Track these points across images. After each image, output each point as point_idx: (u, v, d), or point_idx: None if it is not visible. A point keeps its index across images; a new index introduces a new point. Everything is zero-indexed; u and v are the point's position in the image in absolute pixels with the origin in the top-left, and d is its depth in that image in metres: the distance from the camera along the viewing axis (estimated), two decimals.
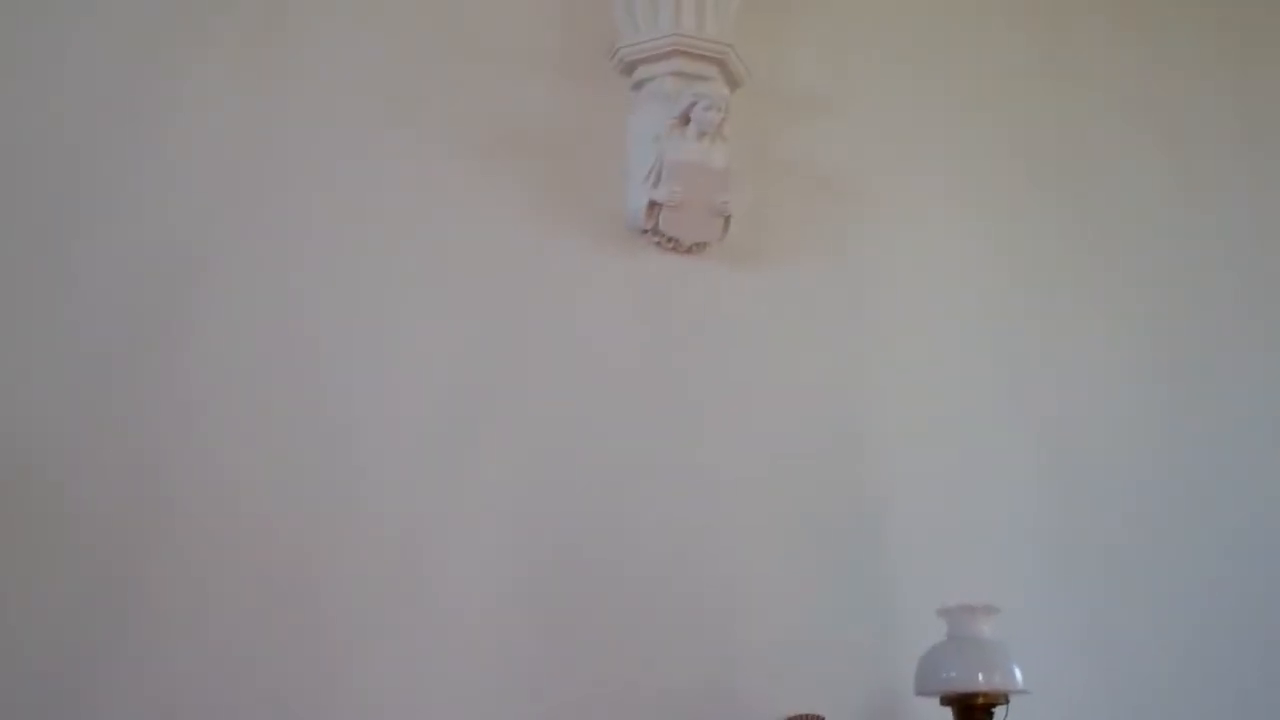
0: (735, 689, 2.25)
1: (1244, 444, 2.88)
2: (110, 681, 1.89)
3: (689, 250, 2.52)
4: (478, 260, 2.38)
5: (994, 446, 2.64)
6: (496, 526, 2.20)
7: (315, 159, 2.33)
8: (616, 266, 2.48)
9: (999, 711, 2.04)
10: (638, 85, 2.57)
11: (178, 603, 1.96)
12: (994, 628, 2.10)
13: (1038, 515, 2.62)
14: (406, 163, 2.39)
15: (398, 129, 2.41)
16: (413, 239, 2.35)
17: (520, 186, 2.46)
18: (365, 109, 2.39)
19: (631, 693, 2.17)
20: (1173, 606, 2.64)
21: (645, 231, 2.49)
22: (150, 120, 2.23)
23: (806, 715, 2.22)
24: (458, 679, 2.08)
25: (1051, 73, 3.07)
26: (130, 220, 2.16)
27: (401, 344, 2.27)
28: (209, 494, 2.04)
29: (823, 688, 2.29)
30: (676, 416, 2.41)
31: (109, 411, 2.04)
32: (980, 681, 2.02)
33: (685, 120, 2.45)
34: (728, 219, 2.50)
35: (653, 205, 2.46)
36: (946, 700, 2.06)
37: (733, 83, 2.57)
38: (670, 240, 2.50)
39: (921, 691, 2.12)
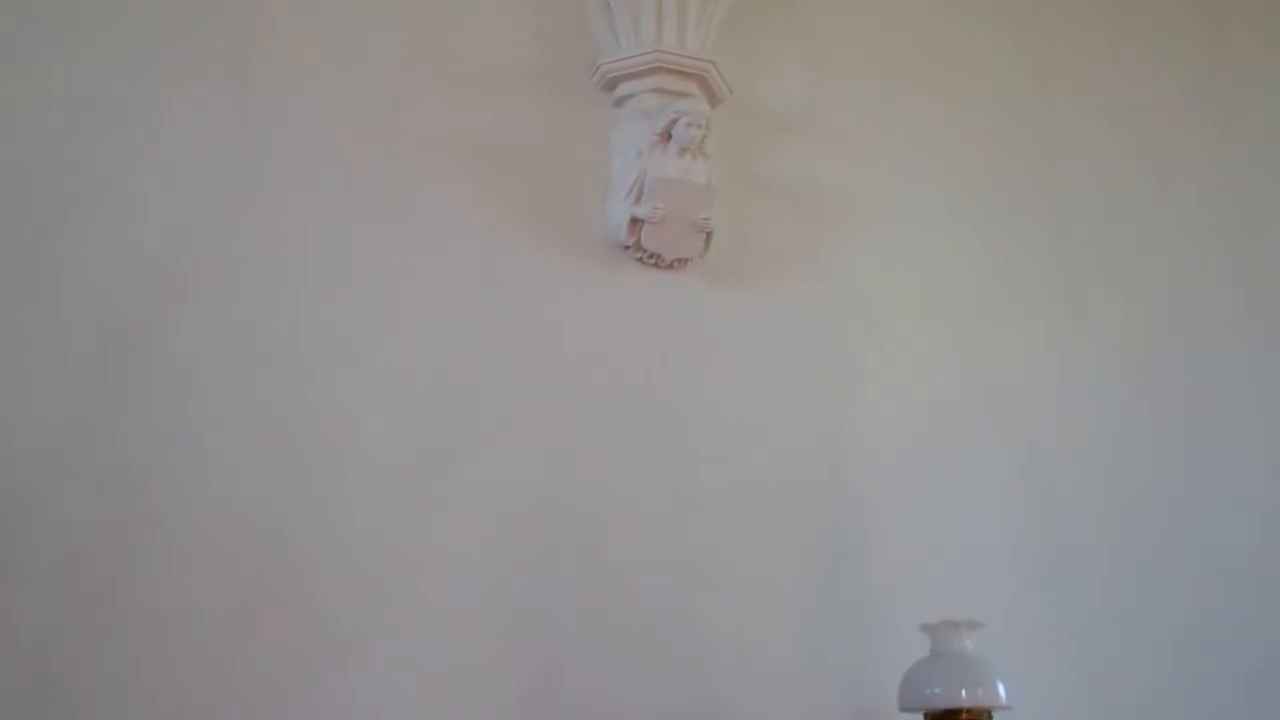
0: (718, 704, 2.25)
1: (1228, 459, 2.89)
2: (95, 690, 1.88)
3: (670, 266, 2.52)
4: (459, 277, 2.37)
5: (977, 462, 2.65)
6: (478, 542, 2.19)
7: (295, 175, 2.31)
8: (598, 282, 2.48)
9: None
10: (619, 102, 2.58)
11: (161, 614, 1.95)
12: (977, 643, 2.10)
13: (1021, 530, 2.63)
14: (388, 179, 2.38)
15: (378, 145, 2.39)
16: (393, 255, 2.33)
17: (502, 203, 2.46)
18: (345, 125, 2.38)
19: (614, 709, 2.16)
20: (1156, 622, 2.65)
21: (627, 247, 2.49)
22: (127, 137, 2.21)
23: None
24: (440, 694, 2.08)
25: (1032, 92, 3.08)
26: (110, 235, 2.14)
27: (382, 360, 2.25)
28: (192, 506, 2.02)
29: (805, 703, 2.30)
30: (658, 433, 2.41)
31: (92, 422, 2.02)
32: (964, 697, 2.01)
33: (667, 137, 2.45)
34: (709, 235, 2.50)
35: (634, 221, 2.46)
36: (930, 716, 2.06)
37: (714, 99, 2.58)
38: (652, 256, 2.50)
39: (905, 707, 2.11)
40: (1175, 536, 2.75)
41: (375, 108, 2.42)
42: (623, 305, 2.48)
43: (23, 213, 2.10)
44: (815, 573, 2.42)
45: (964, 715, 2.02)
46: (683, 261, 2.52)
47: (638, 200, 2.46)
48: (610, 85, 2.58)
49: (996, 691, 2.02)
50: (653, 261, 2.51)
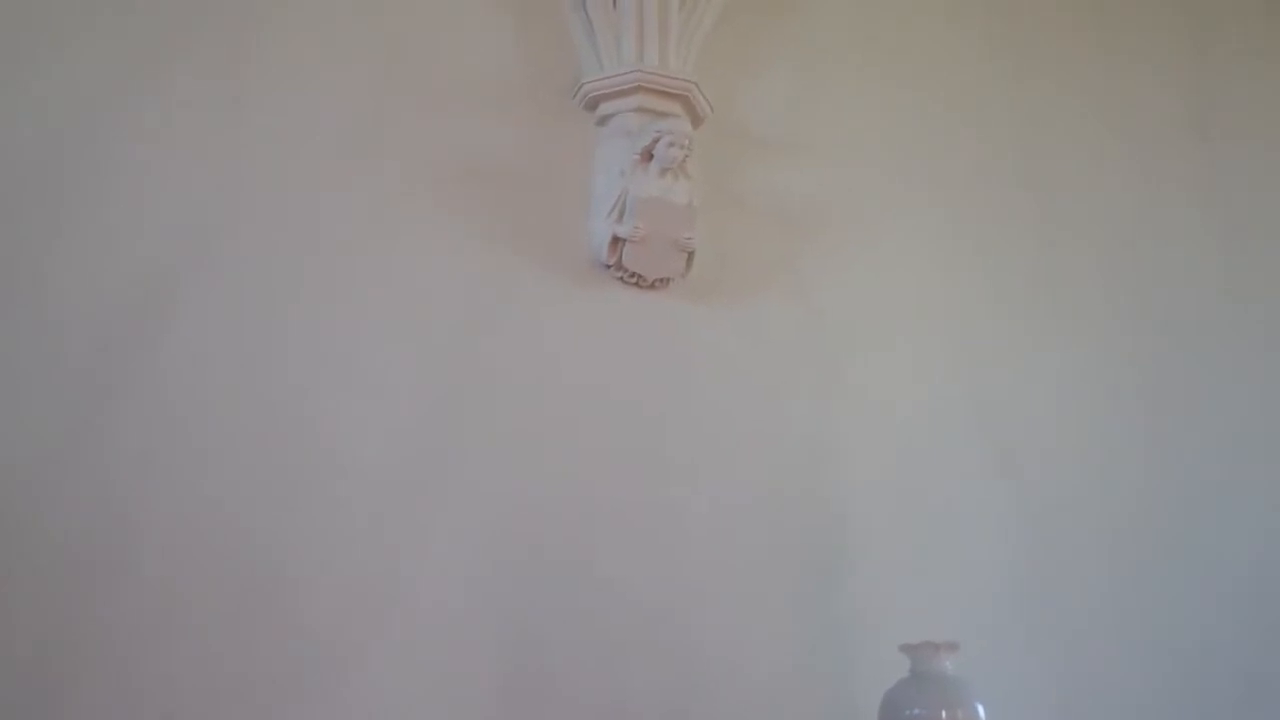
0: (703, 717, 2.25)
1: (1218, 472, 2.91)
2: (84, 697, 1.88)
3: (652, 286, 2.52)
4: (441, 296, 2.37)
5: (961, 481, 2.66)
6: (464, 556, 2.19)
7: (281, 193, 2.31)
8: (580, 302, 2.48)
9: None
10: (601, 121, 2.58)
11: (151, 622, 1.95)
12: (957, 664, 2.10)
13: (1004, 550, 2.63)
14: (370, 198, 2.38)
15: (361, 164, 2.39)
16: (375, 276, 2.33)
17: (484, 222, 2.46)
18: (328, 144, 2.38)
19: None
20: (1140, 643, 2.66)
21: (609, 267, 2.49)
22: (115, 152, 2.21)
23: None
24: (429, 706, 2.08)
25: (1015, 111, 3.10)
26: (102, 248, 2.14)
27: (367, 376, 2.25)
28: (181, 518, 2.02)
29: (787, 718, 2.30)
30: (642, 450, 2.41)
31: (82, 432, 2.02)
32: (943, 718, 2.01)
33: (648, 156, 2.46)
34: (691, 255, 2.51)
35: (616, 241, 2.46)
36: None
37: (696, 119, 2.59)
38: (634, 276, 2.50)
39: None
40: (1162, 556, 2.76)
41: (360, 126, 2.42)
42: (605, 324, 2.48)
43: (10, 225, 2.10)
44: (798, 589, 2.42)
45: None
46: (664, 281, 2.53)
47: (619, 219, 2.46)
48: (592, 104, 2.58)
49: (976, 713, 2.02)
50: (634, 281, 2.51)
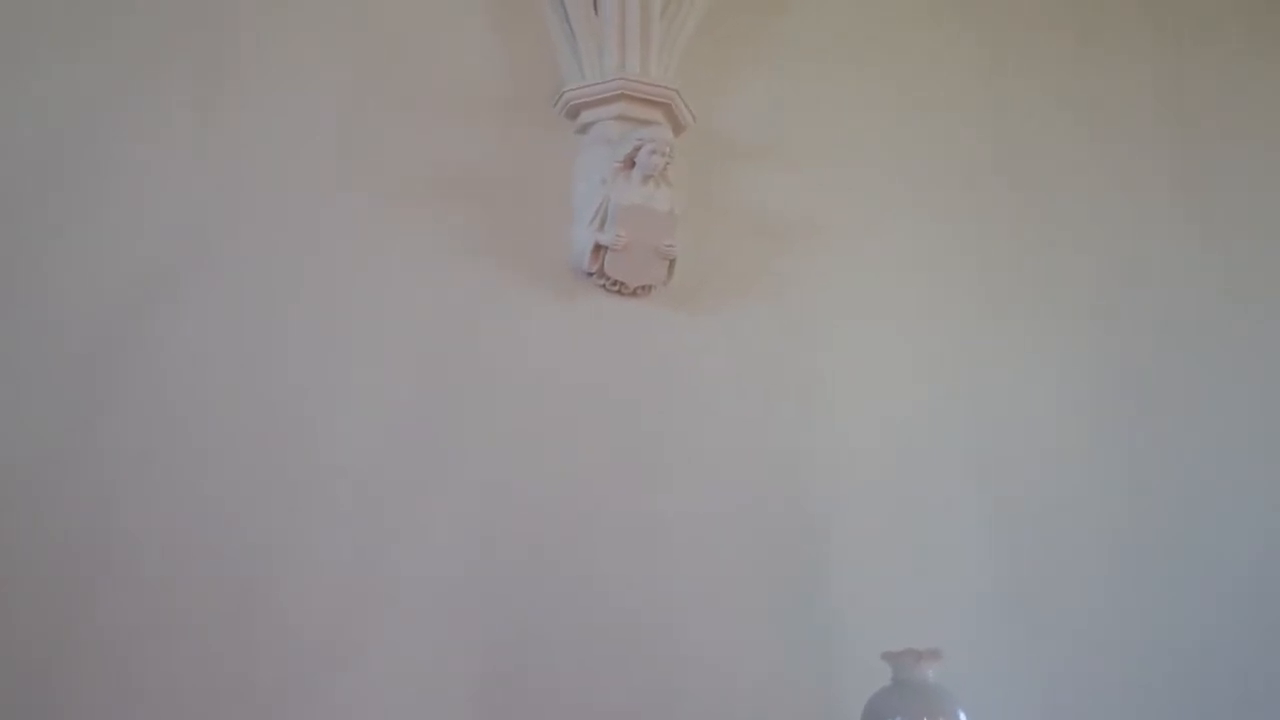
0: None
1: (1209, 479, 2.91)
2: (72, 703, 1.89)
3: (634, 293, 2.52)
4: (422, 304, 2.37)
5: (942, 489, 2.65)
6: (448, 564, 2.20)
7: (262, 202, 2.30)
8: (561, 309, 2.48)
9: None
10: (583, 129, 2.58)
11: (138, 628, 1.96)
12: (939, 672, 2.09)
13: (987, 558, 2.63)
14: (352, 207, 2.38)
15: (342, 172, 2.39)
16: (357, 283, 2.33)
17: (465, 230, 2.45)
18: (312, 151, 2.38)
19: None
20: (1127, 650, 2.65)
21: (590, 274, 2.49)
22: (94, 168, 2.20)
23: None
24: (412, 712, 2.09)
25: (999, 115, 3.11)
26: (90, 253, 2.14)
27: (347, 386, 2.25)
28: (169, 526, 2.03)
29: None
30: (623, 458, 2.41)
31: (69, 444, 2.02)
32: None
33: (630, 164, 2.45)
34: (673, 262, 2.51)
35: (598, 248, 2.46)
36: None
37: (678, 127, 2.59)
38: (615, 283, 2.50)
39: None
40: (1150, 563, 2.76)
41: (339, 136, 2.42)
42: (586, 332, 2.48)
43: (2, 228, 2.10)
44: (780, 595, 2.42)
45: None
46: (646, 288, 2.52)
47: (601, 227, 2.46)
48: (574, 112, 2.58)
49: None
50: (616, 288, 2.51)
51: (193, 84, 2.32)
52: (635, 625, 2.29)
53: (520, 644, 2.20)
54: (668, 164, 2.46)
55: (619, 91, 2.52)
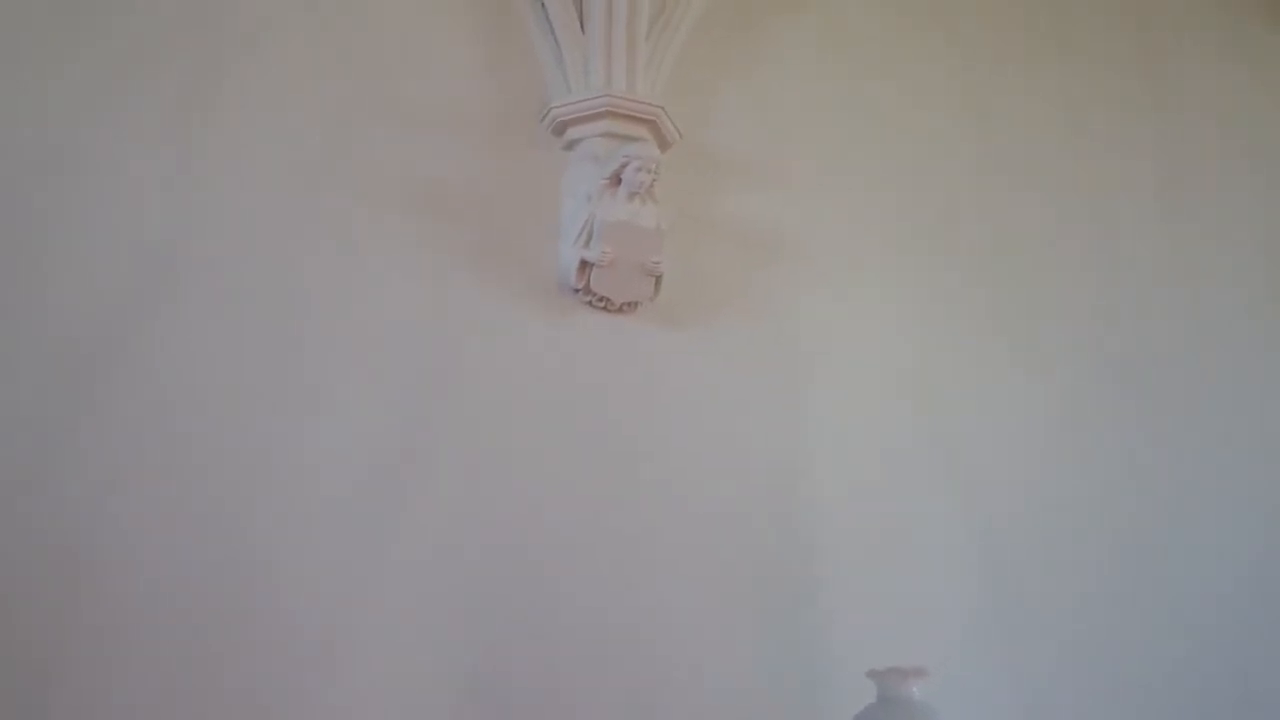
0: None
1: (1181, 498, 2.92)
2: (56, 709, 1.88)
3: (620, 310, 2.52)
4: (408, 320, 2.36)
5: (927, 507, 2.66)
6: (427, 581, 2.19)
7: (245, 216, 2.30)
8: (548, 325, 2.48)
9: None
10: (569, 145, 2.59)
11: (96, 670, 1.93)
12: (924, 690, 2.08)
13: (971, 576, 2.63)
14: (338, 223, 2.37)
15: (328, 189, 2.39)
16: (342, 299, 2.32)
17: (452, 245, 2.45)
18: (295, 168, 2.37)
19: None
20: (1107, 671, 2.66)
21: (577, 291, 2.49)
22: (75, 181, 2.19)
23: None
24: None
25: (982, 139, 3.13)
26: (54, 277, 2.12)
27: (328, 405, 2.24)
28: (135, 548, 2.01)
29: None
30: (608, 473, 2.41)
31: (27, 479, 1.99)
32: None
33: (616, 181, 2.46)
34: (659, 279, 2.51)
35: (584, 265, 2.47)
36: None
37: (664, 143, 2.60)
38: (602, 299, 2.50)
39: None
40: (1128, 582, 2.77)
41: (325, 152, 2.42)
42: (573, 348, 2.48)
43: None
44: (765, 611, 2.42)
45: None
46: (632, 305, 2.53)
47: (587, 244, 2.46)
48: (560, 129, 2.59)
49: None
50: (602, 305, 2.51)
51: (179, 98, 2.32)
52: (619, 640, 2.28)
53: (504, 655, 2.19)
54: (654, 180, 2.46)
55: (605, 108, 2.53)
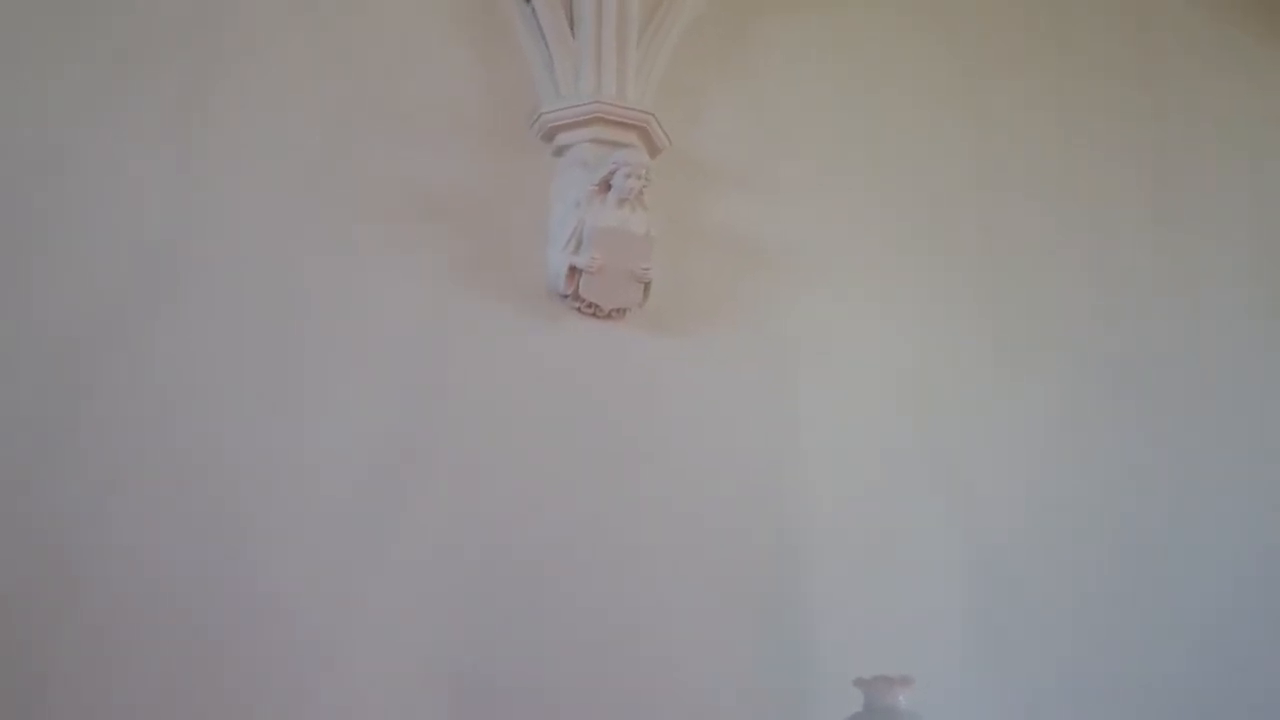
0: None
1: (1174, 510, 2.93)
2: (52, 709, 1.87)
3: (609, 316, 2.52)
4: (396, 325, 2.36)
5: (916, 516, 2.66)
6: (418, 589, 2.19)
7: (238, 220, 2.29)
8: (537, 331, 2.48)
9: None
10: (559, 151, 2.59)
11: (95, 671, 1.93)
12: (911, 699, 2.09)
13: (961, 585, 2.64)
14: (325, 228, 2.37)
15: (316, 194, 2.38)
16: (330, 305, 2.32)
17: (440, 251, 2.45)
18: (284, 174, 2.37)
19: None
20: (1098, 681, 2.67)
21: (566, 297, 2.49)
22: (73, 181, 2.19)
23: None
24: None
25: (973, 144, 3.13)
26: (45, 282, 2.11)
27: (322, 407, 2.24)
28: (125, 555, 2.00)
29: None
30: (597, 480, 2.41)
31: (25, 478, 1.98)
32: None
33: (606, 187, 2.46)
34: (648, 285, 2.51)
35: (573, 271, 2.46)
36: None
37: (654, 150, 2.59)
38: (590, 306, 2.50)
39: None
40: (1126, 587, 2.78)
41: (313, 158, 2.41)
42: (561, 354, 2.48)
43: None
44: (753, 619, 2.42)
45: None
46: (621, 311, 2.52)
47: (576, 250, 2.46)
48: (550, 135, 2.58)
49: None
50: (591, 311, 2.51)
51: (174, 103, 2.31)
52: (612, 643, 2.29)
53: (498, 657, 2.19)
54: (644, 187, 2.46)
55: (595, 114, 2.52)
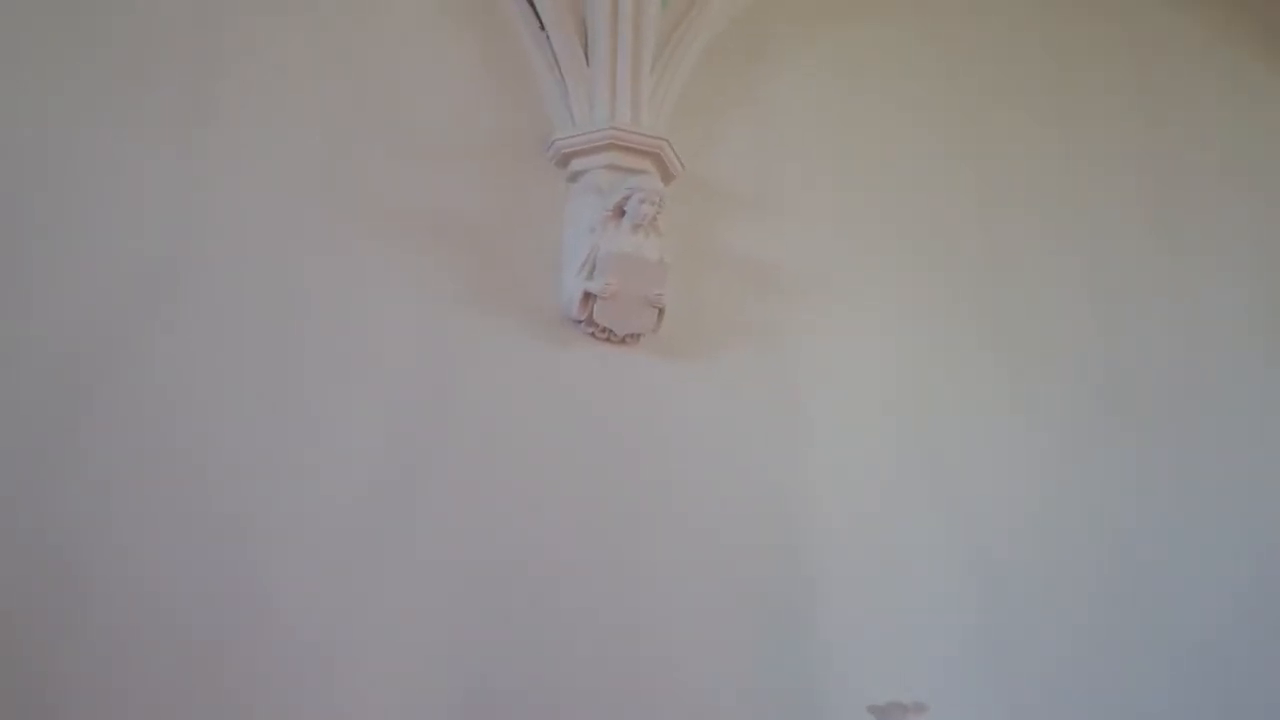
0: None
1: (1174, 535, 2.92)
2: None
3: (623, 341, 2.53)
4: (410, 349, 2.37)
5: (925, 540, 2.66)
6: (422, 612, 2.19)
7: (247, 238, 2.31)
8: (551, 356, 2.49)
9: None
10: (573, 177, 2.61)
11: (96, 679, 1.93)
12: None
13: (968, 603, 2.63)
14: (340, 251, 2.39)
15: (331, 218, 2.40)
16: (344, 327, 2.34)
17: (455, 275, 2.47)
18: (298, 196, 2.39)
19: None
20: (1103, 702, 2.64)
21: (579, 322, 2.50)
22: (76, 194, 2.21)
23: None
24: None
25: (981, 173, 3.15)
26: (44, 288, 2.13)
27: (328, 435, 2.24)
28: (124, 589, 2.00)
29: None
30: (610, 504, 2.41)
31: (26, 484, 2.00)
32: None
33: (620, 213, 2.48)
34: (662, 311, 2.52)
35: (587, 296, 2.48)
36: None
37: (668, 176, 2.61)
38: (604, 331, 2.51)
39: None
40: (1125, 617, 2.76)
41: (328, 181, 2.43)
42: (574, 378, 2.49)
43: None
44: (765, 643, 2.42)
45: None
46: (635, 337, 2.54)
47: (590, 275, 2.47)
48: (564, 161, 2.61)
49: None
50: (605, 336, 2.52)
51: (180, 117, 2.34)
52: (619, 666, 2.28)
53: (501, 674, 2.18)
54: (658, 213, 2.48)
55: (609, 140, 2.55)
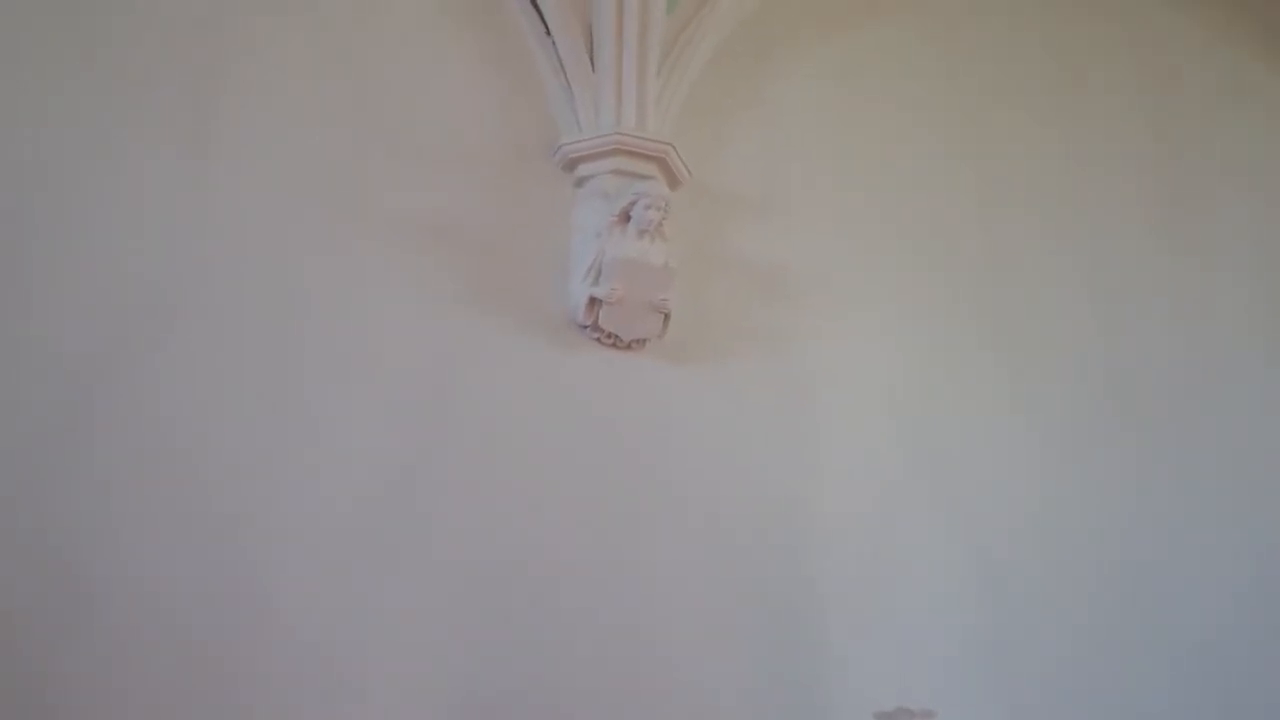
0: None
1: (1176, 536, 2.93)
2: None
3: (629, 346, 2.53)
4: (411, 350, 2.37)
5: (926, 540, 2.67)
6: (427, 618, 2.19)
7: (249, 251, 2.31)
8: (556, 361, 2.49)
9: None
10: (579, 182, 2.60)
11: (96, 684, 1.93)
12: None
13: (969, 606, 2.64)
14: (345, 256, 2.38)
15: (337, 222, 2.40)
16: (349, 332, 2.33)
17: (460, 281, 2.46)
18: (298, 196, 2.38)
19: None
20: (1107, 706, 2.66)
21: (585, 327, 2.50)
22: (81, 204, 2.20)
23: None
24: None
25: (986, 177, 3.14)
26: (51, 304, 2.12)
27: (328, 435, 2.24)
28: (125, 590, 2.00)
29: None
30: (615, 509, 2.41)
31: (25, 488, 1.99)
32: None
33: (626, 218, 2.48)
34: (668, 316, 2.52)
35: (593, 301, 2.48)
36: None
37: (674, 181, 2.61)
38: (610, 336, 2.51)
39: None
40: (1126, 618, 2.78)
41: (333, 186, 2.43)
42: (580, 383, 2.49)
43: None
44: (771, 649, 2.43)
45: None
46: (641, 342, 2.54)
47: (596, 281, 2.47)
48: (570, 166, 2.60)
49: None
50: (611, 341, 2.52)
51: (180, 117, 2.33)
52: (619, 666, 2.29)
53: (504, 678, 2.19)
54: (663, 218, 2.48)
55: (615, 146, 2.54)
